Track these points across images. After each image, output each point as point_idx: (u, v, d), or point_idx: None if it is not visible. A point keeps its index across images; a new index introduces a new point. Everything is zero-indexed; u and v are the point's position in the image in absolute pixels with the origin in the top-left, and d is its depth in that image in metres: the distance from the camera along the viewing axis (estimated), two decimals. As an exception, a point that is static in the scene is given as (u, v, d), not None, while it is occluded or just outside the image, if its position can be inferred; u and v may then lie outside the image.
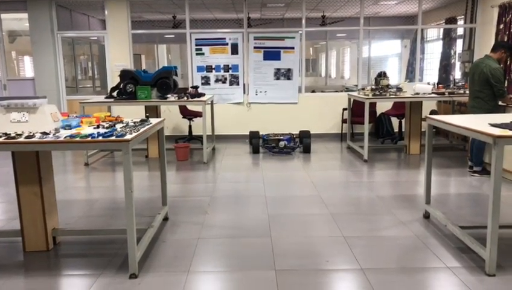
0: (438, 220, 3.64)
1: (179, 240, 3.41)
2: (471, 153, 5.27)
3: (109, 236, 3.44)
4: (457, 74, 8.66)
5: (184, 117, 7.58)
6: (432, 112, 7.72)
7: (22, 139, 2.68)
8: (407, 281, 2.72)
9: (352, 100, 7.09)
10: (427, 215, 3.81)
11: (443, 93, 6.25)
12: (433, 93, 6.24)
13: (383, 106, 7.76)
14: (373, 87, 6.39)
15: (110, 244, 3.31)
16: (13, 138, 2.70)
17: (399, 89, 6.31)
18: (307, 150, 6.71)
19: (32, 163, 3.09)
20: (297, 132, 7.19)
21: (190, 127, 7.64)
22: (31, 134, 2.77)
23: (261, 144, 6.80)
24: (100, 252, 3.20)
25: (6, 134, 2.77)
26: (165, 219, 3.83)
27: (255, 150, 6.74)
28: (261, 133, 7.02)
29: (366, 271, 2.84)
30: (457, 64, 8.65)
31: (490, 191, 2.69)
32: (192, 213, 4.02)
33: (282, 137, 6.74)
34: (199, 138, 7.09)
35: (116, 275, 2.82)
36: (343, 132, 7.88)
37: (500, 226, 2.74)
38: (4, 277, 2.82)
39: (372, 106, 7.43)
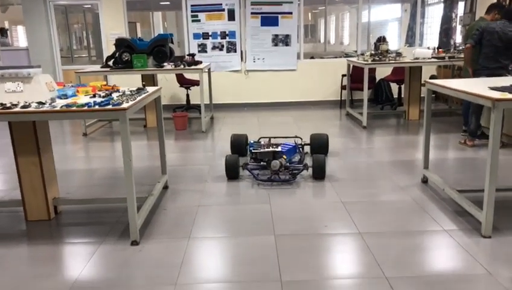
0: (435, 184, 3.67)
1: (179, 208, 3.44)
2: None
3: (110, 205, 3.47)
4: (458, 37, 8.53)
5: (181, 86, 7.52)
6: (432, 77, 7.65)
7: (18, 109, 2.66)
8: (404, 243, 2.77)
9: (351, 66, 7.01)
10: (425, 180, 3.84)
11: (443, 58, 6.17)
12: (433, 58, 6.17)
13: (383, 71, 7.69)
14: (372, 52, 6.31)
15: (111, 213, 3.34)
16: (9, 108, 2.67)
17: (398, 54, 6.24)
18: (319, 173, 3.95)
19: (29, 133, 3.08)
20: (305, 137, 4.81)
21: (188, 96, 7.58)
22: (27, 104, 2.74)
23: (243, 165, 4.06)
24: (101, 221, 3.24)
25: (1, 104, 2.74)
26: (165, 187, 3.86)
27: (232, 174, 4.00)
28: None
29: (364, 235, 2.88)
30: (458, 28, 8.50)
31: (488, 154, 2.70)
32: (191, 181, 4.04)
33: (280, 148, 4.10)
34: (197, 107, 7.06)
35: (117, 243, 2.86)
36: (342, 98, 7.83)
37: (496, 189, 2.76)
38: (8, 246, 2.86)
39: (372, 71, 7.36)
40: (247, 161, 4.27)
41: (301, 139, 4.78)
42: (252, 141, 4.54)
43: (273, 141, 4.55)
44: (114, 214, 3.31)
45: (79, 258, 2.69)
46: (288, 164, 4.01)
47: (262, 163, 4.09)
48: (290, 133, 5.52)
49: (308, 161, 4.25)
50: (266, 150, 4.10)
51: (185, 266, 2.54)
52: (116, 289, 2.34)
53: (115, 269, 2.54)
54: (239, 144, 4.64)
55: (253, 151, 4.20)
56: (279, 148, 4.11)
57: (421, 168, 3.88)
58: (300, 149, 4.57)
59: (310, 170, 4.00)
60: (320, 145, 4.59)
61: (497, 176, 2.72)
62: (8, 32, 8.96)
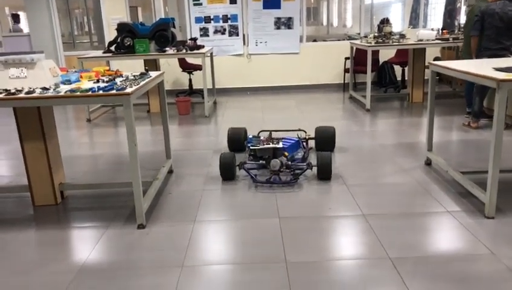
0: (439, 166, 3.68)
1: (184, 192, 3.47)
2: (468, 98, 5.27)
3: (115, 189, 3.51)
4: (462, 18, 8.43)
5: (184, 71, 7.50)
6: (436, 59, 7.59)
7: (22, 95, 2.67)
8: (407, 225, 2.79)
9: (354, 49, 6.96)
10: (428, 162, 3.85)
11: (447, 39, 6.12)
12: (437, 39, 6.12)
13: (386, 54, 7.63)
14: (376, 34, 6.25)
15: (117, 197, 3.38)
16: (13, 94, 2.68)
17: (402, 36, 6.19)
18: (325, 174, 3.59)
19: (34, 119, 3.10)
20: (309, 127, 4.50)
21: (190, 80, 7.56)
22: (31, 90, 2.75)
23: (240, 164, 3.70)
24: (107, 205, 3.28)
25: (6, 90, 2.75)
26: (170, 171, 3.89)
27: (227, 175, 3.66)
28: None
29: (368, 217, 2.91)
30: (463, 9, 8.39)
31: (492, 135, 2.70)
32: (196, 166, 4.07)
33: (281, 144, 3.76)
34: (200, 92, 7.05)
35: (124, 226, 2.90)
36: (345, 81, 7.80)
37: (500, 171, 2.77)
38: (17, 230, 2.91)
39: (375, 54, 7.31)
40: (246, 157, 3.92)
41: (305, 132, 4.39)
42: (250, 136, 4.12)
43: (274, 134, 4.21)
44: (120, 199, 3.34)
45: (86, 242, 2.73)
46: (289, 163, 3.66)
47: (261, 161, 3.74)
48: (293, 119, 5.54)
49: (313, 157, 3.89)
50: (266, 146, 3.72)
51: (191, 249, 2.58)
52: (124, 271, 2.38)
53: (123, 252, 2.58)
54: (237, 139, 4.30)
55: (251, 147, 3.80)
56: (280, 144, 3.74)
57: (425, 150, 3.88)
58: (304, 144, 4.20)
59: (315, 169, 3.64)
60: (326, 139, 4.23)
61: (500, 157, 2.72)
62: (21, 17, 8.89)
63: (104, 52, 6.22)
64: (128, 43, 5.88)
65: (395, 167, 3.83)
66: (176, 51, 6.10)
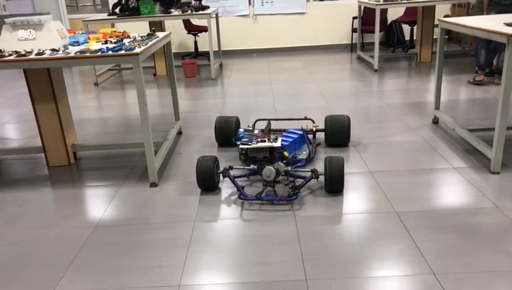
0: (446, 124, 3.70)
1: (194, 152, 3.54)
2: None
3: (127, 150, 3.58)
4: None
5: (189, 33, 7.42)
6: (445, 17, 7.43)
7: (33, 56, 2.69)
8: (414, 181, 2.85)
9: (362, 8, 6.82)
10: (436, 121, 3.87)
11: (458, -4, 5.97)
12: (447, -4, 5.98)
13: (395, 13, 7.48)
14: (384, -8, 6.11)
15: (128, 158, 3.46)
16: (24, 55, 2.70)
17: (412, -7, 6.04)
18: (334, 186, 2.68)
19: (45, 81, 3.13)
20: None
21: (196, 42, 7.50)
22: (41, 51, 2.77)
23: (224, 170, 2.80)
24: (119, 165, 3.35)
25: (16, 52, 2.77)
26: (179, 133, 3.94)
27: (206, 185, 2.80)
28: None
29: (375, 173, 2.96)
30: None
31: (501, 91, 2.70)
32: (204, 127, 4.11)
33: (280, 140, 2.99)
34: (206, 54, 7.01)
35: (137, 185, 2.98)
36: (353, 42, 7.69)
37: (506, 128, 2.79)
38: (33, 189, 3.01)
39: (383, 13, 7.18)
40: (237, 155, 3.25)
41: (313, 122, 3.54)
42: (241, 130, 3.31)
43: (273, 124, 3.32)
44: (131, 159, 3.42)
45: (101, 199, 2.83)
46: (289, 168, 2.76)
47: (252, 166, 2.87)
48: (300, 81, 5.49)
49: (321, 157, 3.23)
50: (260, 145, 2.93)
51: (203, 205, 2.66)
52: (140, 226, 2.48)
53: (137, 209, 2.67)
54: (227, 131, 3.48)
55: (241, 146, 3.01)
56: (279, 142, 2.95)
57: (432, 109, 3.89)
58: (311, 140, 3.38)
59: (321, 177, 2.75)
60: (338, 132, 3.38)
61: (508, 113, 2.74)
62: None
63: (109, 15, 6.16)
64: (133, 4, 5.81)
65: (403, 126, 3.86)
66: (180, 12, 6.02)
